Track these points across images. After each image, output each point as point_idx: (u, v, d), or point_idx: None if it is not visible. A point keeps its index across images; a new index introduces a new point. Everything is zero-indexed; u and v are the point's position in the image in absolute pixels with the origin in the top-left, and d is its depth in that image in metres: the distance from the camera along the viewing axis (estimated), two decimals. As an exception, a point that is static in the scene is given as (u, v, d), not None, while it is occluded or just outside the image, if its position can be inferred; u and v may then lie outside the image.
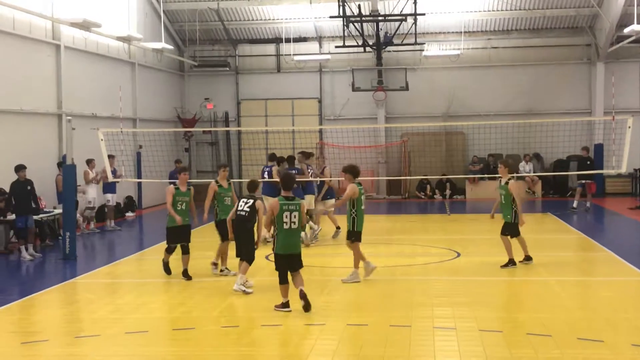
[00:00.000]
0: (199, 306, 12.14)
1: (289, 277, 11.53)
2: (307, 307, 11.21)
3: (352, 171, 13.70)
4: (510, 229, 15.00)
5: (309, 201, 18.43)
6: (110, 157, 20.95)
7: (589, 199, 25.21)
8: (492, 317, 10.94)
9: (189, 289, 13.34)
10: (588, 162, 25.00)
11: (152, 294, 13.11)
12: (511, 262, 14.87)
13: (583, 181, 25.07)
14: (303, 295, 11.25)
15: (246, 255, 12.81)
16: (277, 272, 11.57)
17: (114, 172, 21.09)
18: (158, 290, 13.51)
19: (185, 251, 14.16)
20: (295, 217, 11.29)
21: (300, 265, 11.58)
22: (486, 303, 12.00)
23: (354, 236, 13.68)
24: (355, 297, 12.70)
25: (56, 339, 10.45)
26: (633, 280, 13.87)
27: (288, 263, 11.45)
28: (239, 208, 12.83)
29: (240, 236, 12.84)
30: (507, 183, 15.02)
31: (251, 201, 12.81)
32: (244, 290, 12.64)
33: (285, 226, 11.28)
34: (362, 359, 9.11)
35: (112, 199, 22.33)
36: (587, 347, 9.38)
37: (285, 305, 11.40)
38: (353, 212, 13.63)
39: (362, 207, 13.72)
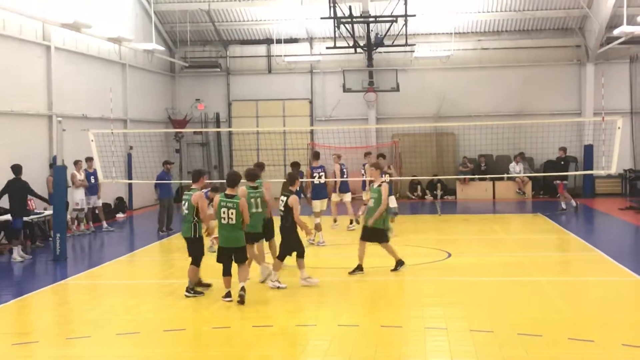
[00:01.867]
0: (189, 307, 12.13)
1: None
2: (241, 302, 11.88)
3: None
4: (379, 235, 14.45)
5: (319, 205, 18.63)
6: (89, 159, 21.07)
7: (564, 198, 25.20)
8: (483, 317, 10.97)
9: (179, 290, 13.30)
10: (562, 163, 25.24)
11: (143, 295, 13.09)
12: (359, 268, 14.44)
13: (557, 181, 25.31)
14: (242, 289, 11.98)
15: (289, 250, 13.29)
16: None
17: (94, 174, 21.23)
18: (149, 291, 13.48)
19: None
20: (232, 214, 12.03)
21: (244, 259, 12.34)
22: (477, 303, 12.03)
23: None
24: (346, 298, 12.71)
25: (47, 340, 10.42)
26: (623, 280, 13.92)
27: (230, 256, 12.22)
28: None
29: (281, 234, 13.39)
30: (379, 186, 14.52)
31: (285, 198, 13.22)
32: (310, 282, 13.28)
33: (223, 221, 12.10)
34: (353, 358, 9.12)
35: (92, 201, 22.23)
36: (578, 347, 9.42)
37: (227, 295, 12.13)
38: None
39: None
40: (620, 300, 12.40)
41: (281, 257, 13.40)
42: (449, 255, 16.60)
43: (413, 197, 30.95)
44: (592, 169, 26.86)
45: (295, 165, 18.44)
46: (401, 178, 29.99)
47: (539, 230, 21.40)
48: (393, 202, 20.11)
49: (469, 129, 28.43)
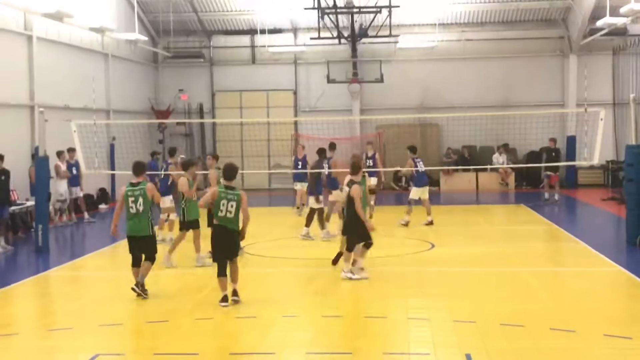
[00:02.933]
0: (172, 299, 12.10)
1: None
2: (235, 302, 11.34)
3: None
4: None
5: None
6: (71, 150, 20.94)
7: (556, 191, 25.32)
8: (465, 308, 11.01)
9: (162, 282, 13.29)
10: (553, 154, 25.26)
11: (125, 287, 12.96)
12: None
13: (549, 172, 25.36)
14: (235, 295, 11.44)
15: (358, 239, 13.12)
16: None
17: (76, 165, 21.13)
18: (130, 283, 13.39)
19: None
20: (232, 206, 11.34)
21: (236, 253, 11.65)
22: (460, 294, 12.07)
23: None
24: (331, 289, 12.72)
25: (29, 332, 10.38)
26: (605, 270, 14.01)
27: (224, 250, 11.49)
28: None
29: (346, 226, 13.33)
30: (363, 176, 13.90)
31: (348, 189, 13.15)
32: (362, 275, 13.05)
33: (221, 214, 11.37)
34: (336, 349, 9.14)
35: (74, 192, 22.13)
36: (559, 337, 9.48)
37: (224, 299, 11.26)
38: (183, 204, 14.64)
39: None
40: (601, 290, 12.49)
41: (350, 248, 13.12)
42: (432, 246, 16.65)
43: (397, 187, 30.99)
44: (574, 160, 27.00)
45: (323, 151, 18.22)
46: (384, 169, 30.02)
47: (521, 221, 21.50)
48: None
49: (453, 120, 28.48)
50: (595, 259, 14.95)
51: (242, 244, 14.42)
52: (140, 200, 12.00)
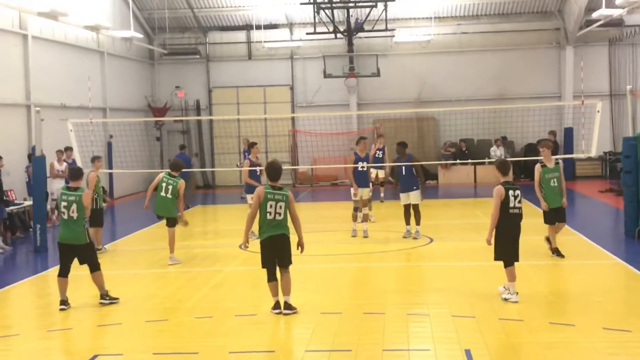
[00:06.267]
0: (172, 297, 12.09)
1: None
2: (289, 314, 10.51)
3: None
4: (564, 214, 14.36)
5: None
6: (68, 149, 20.87)
7: None
8: (464, 303, 11.00)
9: (161, 281, 13.29)
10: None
11: (124, 286, 13.02)
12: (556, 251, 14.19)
13: None
14: (289, 307, 10.55)
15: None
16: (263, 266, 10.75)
17: (73, 164, 21.05)
18: (130, 282, 13.42)
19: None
20: (281, 207, 10.37)
21: (289, 261, 10.64)
22: (459, 289, 12.06)
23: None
24: (329, 285, 12.71)
25: (28, 332, 10.35)
26: (604, 263, 14.03)
27: (276, 255, 10.56)
28: (512, 205, 11.36)
29: (517, 236, 11.60)
30: (557, 163, 14.29)
31: (519, 192, 11.51)
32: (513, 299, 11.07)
33: (269, 216, 10.41)
34: (336, 346, 9.13)
35: None
36: (559, 331, 9.48)
37: (276, 306, 10.61)
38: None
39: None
40: (600, 283, 12.47)
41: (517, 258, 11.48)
42: (431, 240, 16.65)
43: (394, 182, 30.93)
44: (572, 152, 27.01)
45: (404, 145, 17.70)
46: (382, 164, 29.95)
47: (520, 214, 21.44)
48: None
49: (450, 114, 28.49)
50: (593, 252, 14.97)
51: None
52: (74, 206, 11.30)
